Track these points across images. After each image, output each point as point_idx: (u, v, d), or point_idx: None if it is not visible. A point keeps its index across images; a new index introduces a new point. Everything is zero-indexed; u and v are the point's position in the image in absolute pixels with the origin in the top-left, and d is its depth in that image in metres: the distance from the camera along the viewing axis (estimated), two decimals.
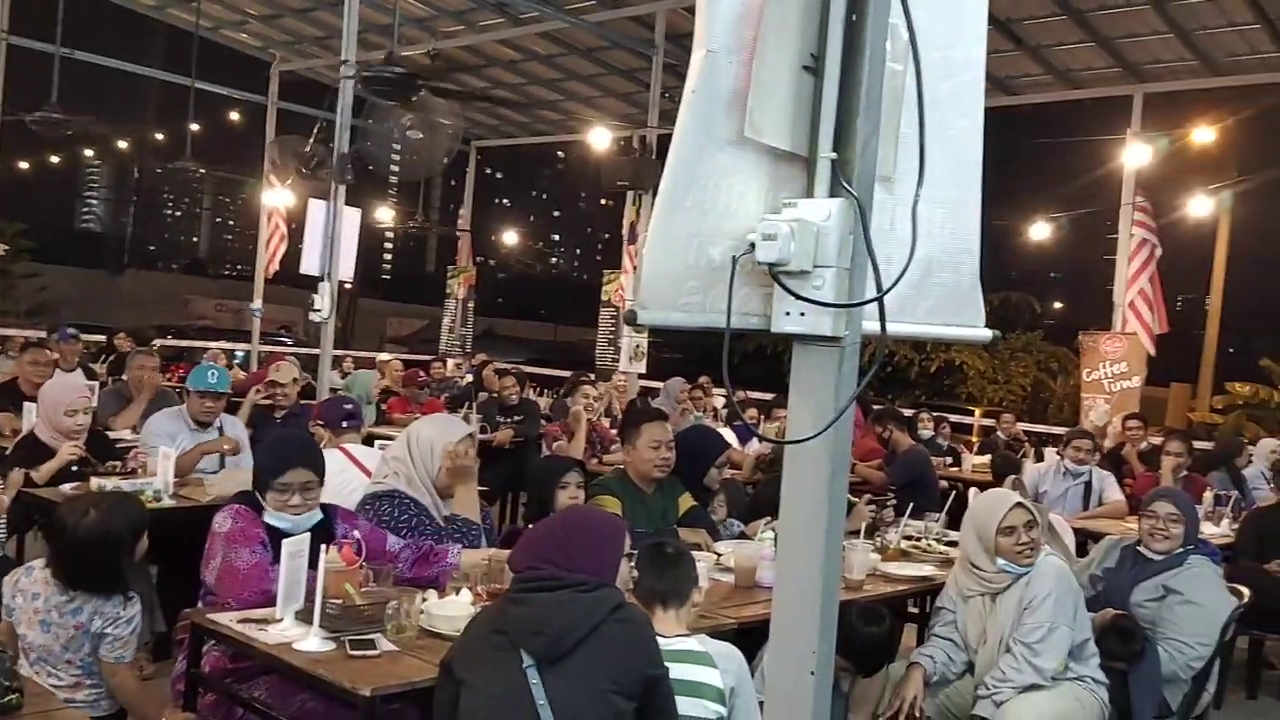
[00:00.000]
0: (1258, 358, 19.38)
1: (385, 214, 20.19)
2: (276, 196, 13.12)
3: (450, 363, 12.70)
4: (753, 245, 1.74)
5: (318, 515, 3.24)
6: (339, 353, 11.04)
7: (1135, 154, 10.98)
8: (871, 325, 1.78)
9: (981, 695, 3.37)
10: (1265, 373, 17.95)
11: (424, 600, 2.98)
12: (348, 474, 4.33)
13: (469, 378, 10.81)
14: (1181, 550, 4.13)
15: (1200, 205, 14.36)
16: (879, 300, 1.76)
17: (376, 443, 5.16)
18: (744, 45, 1.76)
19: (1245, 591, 4.20)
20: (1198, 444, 8.96)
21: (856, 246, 1.75)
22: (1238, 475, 7.68)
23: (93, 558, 2.90)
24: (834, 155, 1.79)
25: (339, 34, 8.47)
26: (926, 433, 9.36)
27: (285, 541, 2.89)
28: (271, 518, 3.16)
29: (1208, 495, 6.75)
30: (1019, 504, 3.57)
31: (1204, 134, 12.52)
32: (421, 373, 9.75)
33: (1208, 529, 5.63)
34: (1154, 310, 10.57)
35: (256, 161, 14.00)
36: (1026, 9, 9.82)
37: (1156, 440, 8.11)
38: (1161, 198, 12.17)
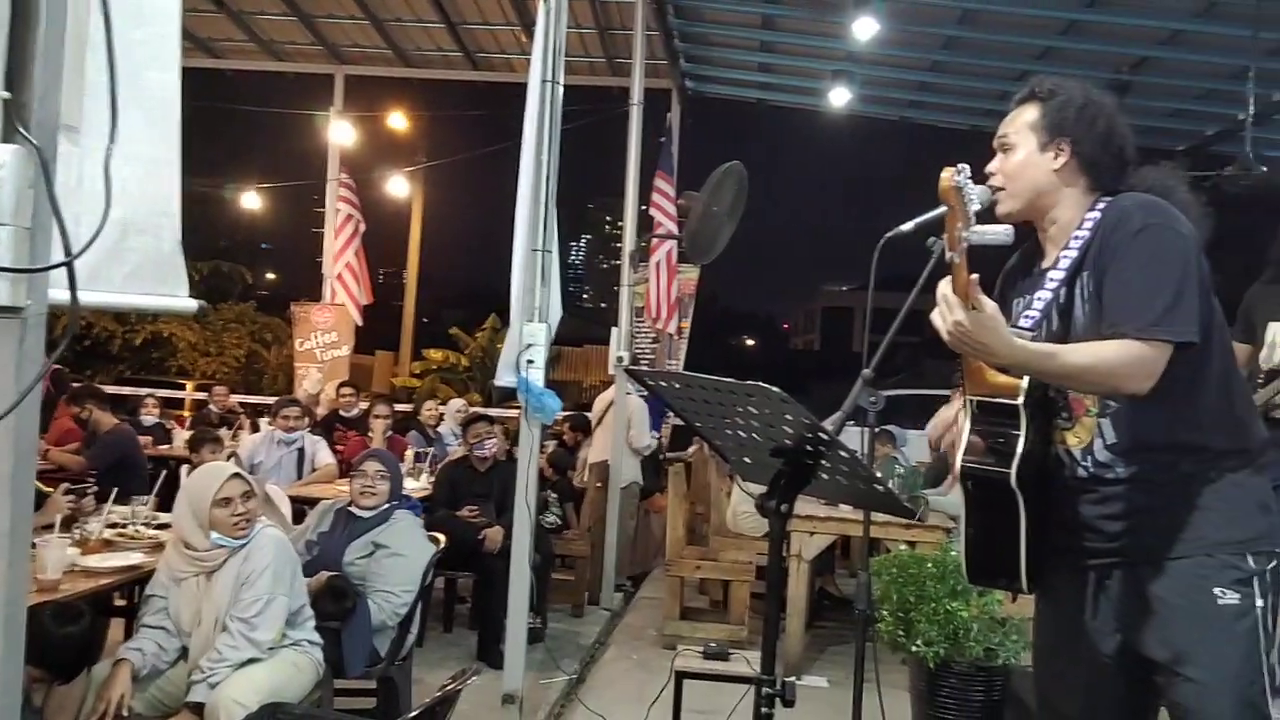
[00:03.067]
0: (448, 326, 21.85)
1: None
2: None
3: None
4: None
5: None
6: None
7: (339, 131, 11.52)
8: (60, 294, 1.56)
9: (196, 680, 3.24)
10: (454, 340, 20.28)
11: None
12: None
13: None
14: (388, 506, 4.45)
15: (398, 185, 15.59)
16: (69, 265, 1.55)
17: None
18: None
19: (441, 538, 4.66)
20: (399, 406, 9.77)
21: (39, 203, 1.52)
22: (429, 432, 8.55)
23: None
24: (7, 95, 1.52)
25: None
26: (150, 419, 8.79)
27: None
28: None
29: (409, 453, 7.39)
30: (235, 475, 3.51)
31: (398, 119, 13.60)
32: None
33: (410, 484, 6.14)
34: (360, 283, 11.23)
35: None
36: None
37: (365, 405, 8.63)
38: (365, 176, 12.94)
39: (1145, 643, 2.16)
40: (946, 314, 1.95)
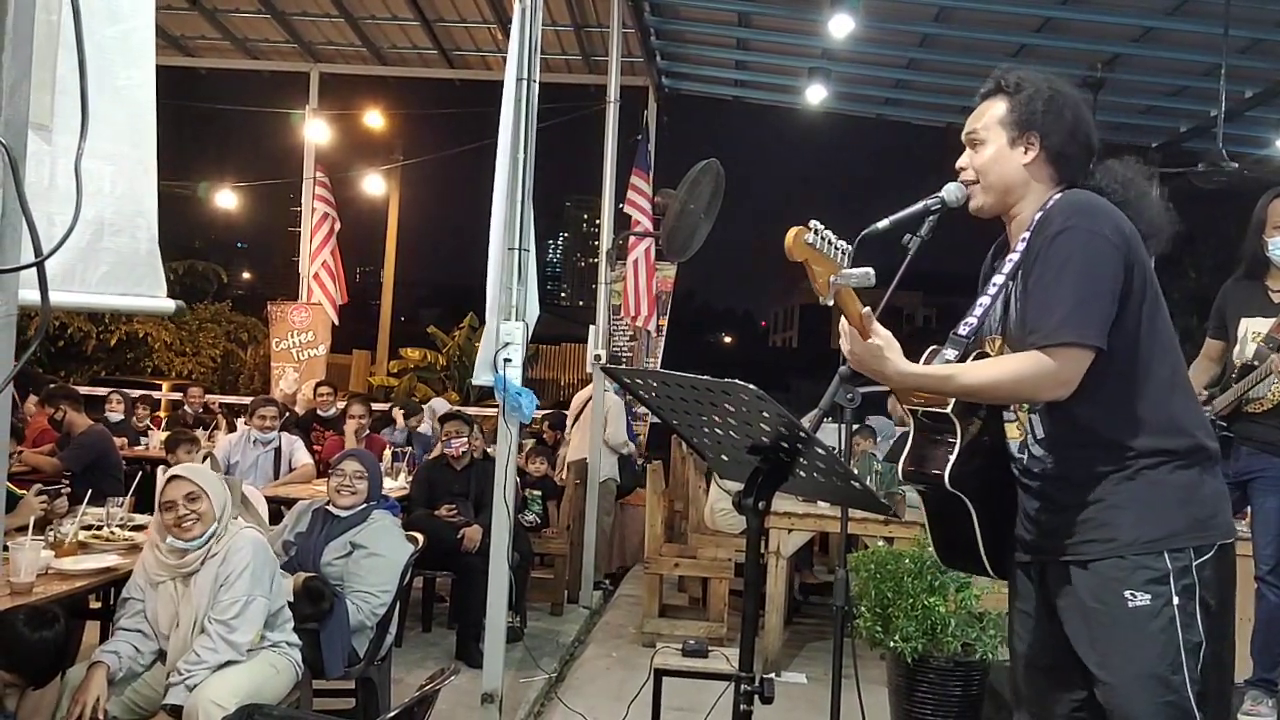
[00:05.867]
0: (426, 325, 21.76)
1: None
2: None
3: None
4: None
5: None
6: None
7: (315, 130, 11.45)
8: (31, 294, 1.54)
9: (173, 682, 3.22)
10: (432, 339, 20.19)
11: None
12: None
13: None
14: (366, 505, 4.43)
15: (374, 183, 15.51)
16: (39, 266, 1.53)
17: None
18: None
19: (420, 537, 4.65)
20: (377, 405, 9.73)
21: (7, 203, 1.50)
22: (410, 432, 8.51)
23: None
24: None
25: None
26: (116, 416, 8.72)
27: None
28: None
29: (387, 452, 7.36)
30: (174, 476, 3.45)
31: (374, 118, 13.52)
32: None
33: (388, 484, 6.11)
34: (336, 282, 11.17)
35: None
36: None
37: (343, 405, 8.58)
38: (341, 174, 12.87)
39: (1075, 643, 2.19)
40: (845, 343, 2.07)
